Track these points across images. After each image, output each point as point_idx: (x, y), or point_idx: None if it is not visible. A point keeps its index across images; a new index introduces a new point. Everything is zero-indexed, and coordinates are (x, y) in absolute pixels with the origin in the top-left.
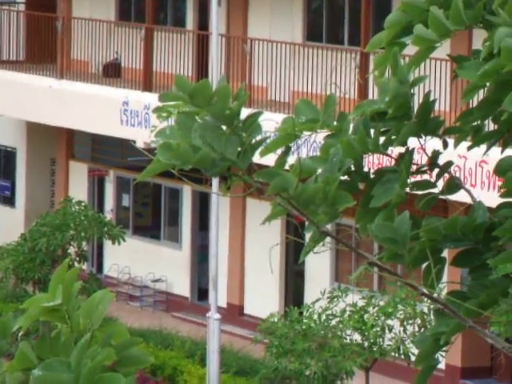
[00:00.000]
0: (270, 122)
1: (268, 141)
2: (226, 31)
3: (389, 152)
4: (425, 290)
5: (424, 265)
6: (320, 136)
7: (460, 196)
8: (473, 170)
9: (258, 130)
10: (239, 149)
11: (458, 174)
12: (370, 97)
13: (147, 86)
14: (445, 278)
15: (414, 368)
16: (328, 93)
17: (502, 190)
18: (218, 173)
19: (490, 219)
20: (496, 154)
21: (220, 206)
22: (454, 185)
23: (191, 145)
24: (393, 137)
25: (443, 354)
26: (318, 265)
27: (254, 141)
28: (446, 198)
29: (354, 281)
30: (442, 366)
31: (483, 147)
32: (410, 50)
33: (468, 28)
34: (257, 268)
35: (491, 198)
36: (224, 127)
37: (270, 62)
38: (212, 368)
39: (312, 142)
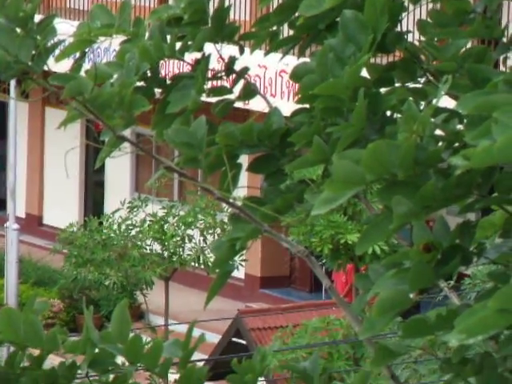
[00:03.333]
0: (68, 27)
1: (63, 46)
2: None
3: (188, 59)
4: (220, 195)
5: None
6: (117, 43)
7: (260, 105)
8: (273, 80)
9: (53, 33)
10: (34, 52)
11: (258, 84)
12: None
13: None
14: (244, 185)
15: (211, 274)
16: None
17: (298, 96)
18: (12, 76)
19: (286, 125)
20: (295, 62)
21: (18, 115)
22: (249, 91)
23: None
24: (189, 42)
25: (243, 263)
26: (118, 174)
27: (49, 44)
28: (244, 104)
29: (154, 188)
30: (241, 275)
31: (286, 58)
32: None
33: None
34: (56, 178)
35: (291, 107)
36: (18, 30)
37: None
38: (10, 278)
39: (112, 51)
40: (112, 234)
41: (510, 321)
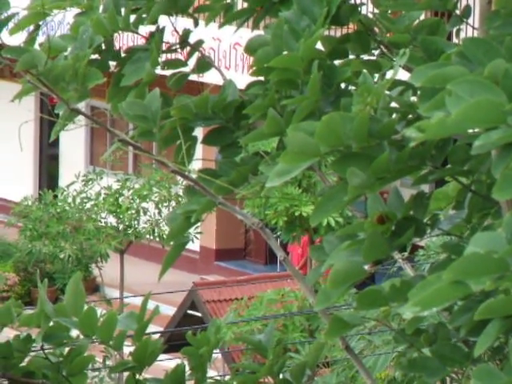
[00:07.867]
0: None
1: (17, 19)
2: None
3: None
4: (175, 167)
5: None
6: (71, 16)
7: (214, 78)
8: (227, 53)
9: (6, 6)
10: None
11: (212, 57)
12: None
13: None
14: (199, 157)
15: (165, 246)
16: None
17: (253, 69)
18: None
19: (240, 98)
20: (249, 35)
21: None
22: (204, 63)
23: None
24: (144, 15)
25: (198, 236)
26: (73, 148)
27: (2, 17)
28: (199, 77)
29: (109, 162)
30: (196, 247)
31: (240, 31)
32: None
33: None
34: (10, 151)
35: (245, 80)
36: None
37: None
38: None
39: (66, 24)
40: (67, 207)
41: (464, 292)
